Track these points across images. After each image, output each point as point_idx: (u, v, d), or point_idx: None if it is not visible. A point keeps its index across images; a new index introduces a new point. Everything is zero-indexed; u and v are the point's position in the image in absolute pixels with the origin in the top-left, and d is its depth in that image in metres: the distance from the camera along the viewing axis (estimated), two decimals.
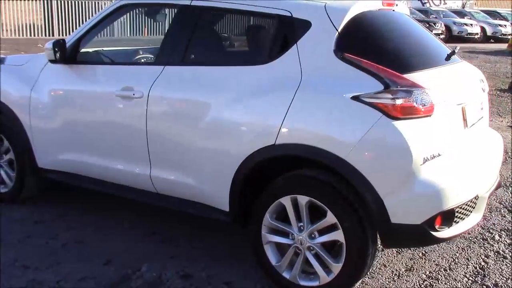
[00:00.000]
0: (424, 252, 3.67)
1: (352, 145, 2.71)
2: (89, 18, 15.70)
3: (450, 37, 23.46)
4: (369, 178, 2.69)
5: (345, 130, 2.75)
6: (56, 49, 3.61)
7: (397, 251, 3.67)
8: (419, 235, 2.75)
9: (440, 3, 31.54)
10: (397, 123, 2.66)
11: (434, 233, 2.73)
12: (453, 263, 3.55)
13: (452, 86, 2.99)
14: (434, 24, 23.02)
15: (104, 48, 4.09)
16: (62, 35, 17.28)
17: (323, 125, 2.81)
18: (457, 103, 2.94)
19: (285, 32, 3.07)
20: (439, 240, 2.87)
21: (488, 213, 4.40)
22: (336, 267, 2.88)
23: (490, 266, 3.53)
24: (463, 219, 2.89)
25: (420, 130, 2.71)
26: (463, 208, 2.84)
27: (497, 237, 3.94)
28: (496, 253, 3.70)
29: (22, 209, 4.20)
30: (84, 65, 3.77)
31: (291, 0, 3.13)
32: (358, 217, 2.78)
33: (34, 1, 18.81)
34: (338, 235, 2.84)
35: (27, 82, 3.96)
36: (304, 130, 2.85)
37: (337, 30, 2.92)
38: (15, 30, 17.82)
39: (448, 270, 3.45)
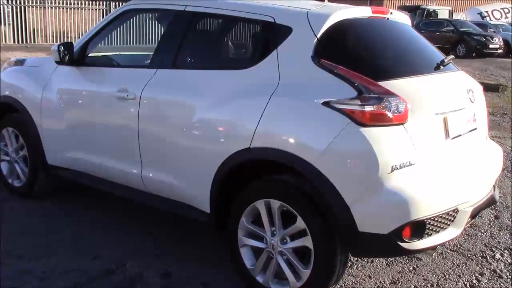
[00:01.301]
0: (415, 266, 3.58)
1: (320, 150, 2.70)
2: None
3: (510, 52, 22.60)
4: (336, 185, 2.67)
5: (314, 135, 2.75)
6: (61, 51, 3.79)
7: (386, 263, 3.60)
8: (386, 245, 2.69)
9: (502, 17, 30.40)
10: (364, 130, 2.63)
11: (402, 244, 2.67)
12: (442, 279, 3.44)
13: (433, 96, 2.92)
14: (492, 38, 22.22)
15: (111, 53, 4.25)
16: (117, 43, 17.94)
17: (294, 130, 2.82)
18: (436, 112, 2.87)
19: (267, 38, 3.11)
20: (408, 252, 2.81)
21: (497, 231, 4.23)
22: (305, 274, 2.87)
23: (482, 284, 3.40)
24: (438, 231, 2.80)
25: (389, 138, 2.67)
26: (437, 221, 2.76)
27: (498, 256, 3.78)
28: (492, 272, 3.55)
29: (31, 204, 4.40)
30: (89, 67, 3.93)
31: (277, 6, 3.17)
32: (327, 224, 2.76)
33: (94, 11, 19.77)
34: (307, 241, 2.83)
35: (40, 82, 4.17)
36: (276, 135, 2.87)
37: (316, 37, 2.93)
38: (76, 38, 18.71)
39: (435, 286, 3.36)
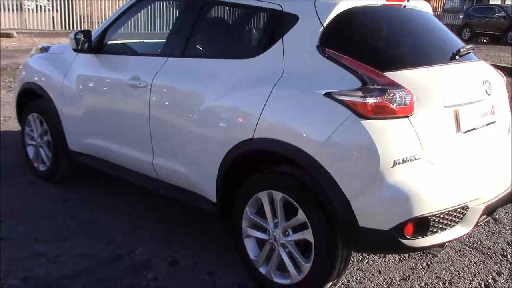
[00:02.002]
0: (429, 263, 3.48)
1: (321, 143, 2.63)
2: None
3: None
4: (336, 179, 2.60)
5: (315, 127, 2.68)
6: (79, 39, 3.84)
7: (399, 259, 3.51)
8: (387, 242, 2.61)
9: None
10: (366, 123, 2.55)
11: (404, 241, 2.58)
12: (456, 277, 3.33)
13: (443, 87, 2.78)
14: None
15: (129, 40, 4.28)
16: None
17: (295, 121, 2.76)
18: (446, 105, 2.74)
19: (274, 26, 3.04)
20: (410, 249, 2.72)
21: None
22: (306, 267, 2.83)
23: (498, 284, 3.27)
24: (444, 229, 2.69)
25: (393, 131, 2.57)
26: (443, 218, 2.65)
27: None
28: (511, 272, 3.40)
29: (54, 188, 4.52)
30: (107, 55, 3.97)
31: None
32: (327, 218, 2.70)
33: None
34: (308, 235, 2.78)
35: (62, 69, 4.25)
36: (277, 125, 2.82)
37: (323, 25, 2.84)
38: None
39: (446, 284, 3.25)
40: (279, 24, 3.00)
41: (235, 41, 3.47)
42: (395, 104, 2.57)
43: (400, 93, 2.59)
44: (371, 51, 2.84)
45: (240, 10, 3.48)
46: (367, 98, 2.56)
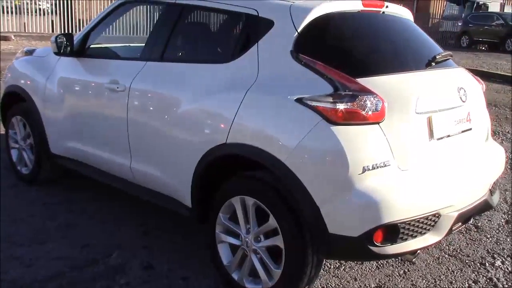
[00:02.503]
0: (406, 270, 3.46)
1: (291, 148, 2.62)
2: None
3: None
4: (306, 184, 2.59)
5: (285, 132, 2.68)
6: (59, 42, 3.84)
7: (376, 266, 3.49)
8: (356, 249, 2.60)
9: None
10: (335, 129, 2.54)
11: (373, 248, 2.56)
12: (432, 285, 3.31)
13: (416, 94, 2.76)
14: None
15: (112, 44, 4.28)
16: None
17: (266, 126, 2.76)
18: (419, 111, 2.73)
19: (249, 31, 3.04)
20: (380, 256, 2.70)
21: (504, 236, 4.03)
22: (277, 273, 2.81)
23: None
24: (415, 236, 2.67)
25: (362, 137, 2.56)
26: (413, 225, 2.63)
27: (498, 263, 3.60)
28: (488, 280, 3.39)
29: (36, 191, 4.51)
30: (88, 59, 3.97)
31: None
32: (298, 224, 2.69)
33: None
34: (278, 241, 2.76)
35: (44, 72, 4.25)
36: (249, 130, 2.82)
37: (297, 30, 2.84)
38: None
39: None
40: (255, 29, 3.00)
41: (212, 45, 3.47)
42: (365, 111, 2.56)
43: (371, 99, 2.58)
44: (345, 57, 2.84)
45: (217, 15, 3.49)
46: (337, 104, 2.55)
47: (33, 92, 4.34)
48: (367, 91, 2.60)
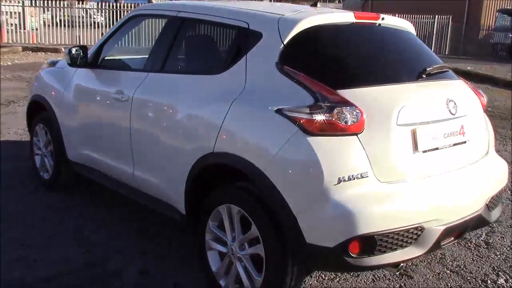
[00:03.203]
0: (402, 285, 3.41)
1: (270, 158, 2.66)
2: None
3: None
4: (284, 194, 2.62)
5: (266, 142, 2.72)
6: (72, 54, 4.03)
7: (372, 279, 3.45)
8: (333, 260, 2.60)
9: None
10: (312, 139, 2.56)
11: (349, 260, 2.55)
12: None
13: (399, 106, 2.73)
14: None
15: (124, 56, 4.44)
16: None
17: (249, 136, 2.82)
18: (401, 123, 2.71)
19: (240, 43, 3.11)
20: (357, 268, 2.69)
21: None
22: (258, 281, 2.84)
23: None
24: (394, 249, 2.64)
25: (339, 148, 2.57)
26: (392, 238, 2.60)
27: (501, 281, 3.49)
28: None
29: (54, 196, 4.70)
30: (101, 70, 4.14)
31: (254, 12, 3.16)
32: (278, 233, 2.71)
33: None
34: (260, 249, 2.80)
35: (63, 83, 4.46)
36: (233, 140, 2.89)
37: (283, 43, 2.89)
38: None
39: None
40: (245, 41, 3.07)
41: (206, 57, 3.56)
42: (343, 122, 2.58)
43: (350, 110, 2.59)
44: (329, 68, 2.86)
45: (214, 28, 3.57)
46: (313, 115, 2.57)
47: (53, 101, 4.55)
48: (346, 103, 2.61)
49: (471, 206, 2.97)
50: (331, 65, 2.89)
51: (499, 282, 3.48)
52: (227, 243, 3.02)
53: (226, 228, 3.00)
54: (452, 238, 3.02)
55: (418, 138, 2.78)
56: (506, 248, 4.00)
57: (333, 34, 3.03)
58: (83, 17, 20.18)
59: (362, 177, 2.58)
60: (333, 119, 2.57)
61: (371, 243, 2.56)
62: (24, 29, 19.02)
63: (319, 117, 2.57)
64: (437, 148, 2.89)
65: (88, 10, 22.28)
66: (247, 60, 2.99)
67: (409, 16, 23.60)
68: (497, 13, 26.27)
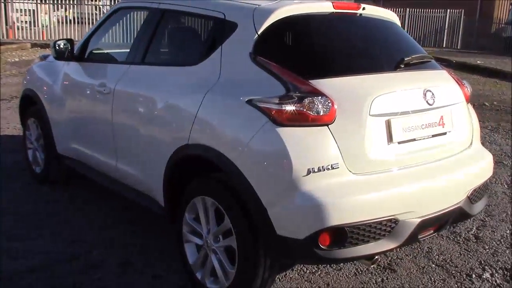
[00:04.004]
0: (384, 278, 3.37)
1: (240, 149, 2.64)
2: None
3: None
4: (254, 185, 2.60)
5: (237, 133, 2.70)
6: (57, 47, 4.04)
7: (355, 272, 3.42)
8: (303, 252, 2.56)
9: None
10: (281, 130, 2.53)
11: (319, 252, 2.52)
12: None
13: (372, 96, 2.68)
14: None
15: (111, 49, 4.44)
16: None
17: (221, 127, 2.80)
18: (374, 114, 2.67)
19: (216, 34, 3.09)
20: (328, 260, 2.65)
21: (504, 248, 3.84)
22: (231, 274, 2.82)
23: None
24: (367, 242, 2.60)
25: (308, 139, 2.54)
26: (364, 229, 2.57)
27: (486, 275, 3.43)
28: None
29: (45, 190, 4.73)
30: (88, 63, 4.14)
31: (230, 2, 3.14)
32: (249, 225, 2.69)
33: None
34: (233, 241, 2.78)
35: (52, 76, 4.48)
36: (206, 132, 2.87)
37: (257, 33, 2.86)
38: None
39: None
40: (221, 32, 3.04)
41: (184, 49, 3.54)
42: (313, 112, 2.54)
43: (320, 101, 2.55)
44: (302, 58, 2.82)
45: (192, 19, 3.55)
46: (283, 106, 2.54)
47: (43, 95, 4.57)
48: (317, 93, 2.58)
49: (450, 198, 2.92)
50: (305, 55, 2.85)
51: (484, 276, 3.42)
52: (202, 235, 3.00)
53: (201, 220, 2.98)
54: (432, 231, 2.97)
55: (393, 129, 2.73)
56: (495, 242, 3.94)
57: (308, 24, 2.99)
58: (96, 14, 20.26)
59: (333, 168, 2.54)
60: (303, 110, 2.54)
61: (342, 235, 2.53)
62: (36, 26, 19.22)
63: (289, 108, 2.54)
64: (414, 139, 2.84)
65: (100, 7, 22.37)
66: (222, 51, 2.97)
67: (420, 10, 23.42)
68: (510, 6, 25.89)
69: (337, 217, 2.49)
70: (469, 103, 3.42)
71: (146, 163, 3.37)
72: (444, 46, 23.68)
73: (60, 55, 4.10)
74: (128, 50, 3.87)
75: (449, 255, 3.69)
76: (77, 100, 4.16)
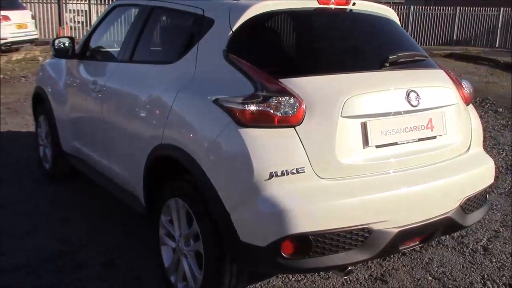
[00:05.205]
0: None
1: (205, 150, 2.54)
2: None
3: None
4: (217, 188, 2.49)
5: (203, 134, 2.61)
6: (57, 46, 4.06)
7: (342, 282, 3.25)
8: (267, 260, 2.43)
9: None
10: (243, 131, 2.41)
11: (281, 261, 2.38)
12: None
13: (345, 96, 2.50)
14: None
15: (111, 48, 4.41)
16: None
17: (189, 127, 2.72)
18: (347, 115, 2.49)
19: (194, 31, 3.00)
20: (291, 270, 2.52)
21: None
22: (199, 279, 2.73)
23: None
24: (336, 251, 2.44)
25: (272, 141, 2.40)
26: (331, 238, 2.40)
27: None
28: None
29: (51, 186, 4.77)
30: (88, 61, 4.15)
31: None
32: (215, 230, 2.58)
33: None
34: (200, 246, 2.68)
35: (58, 74, 4.52)
36: (175, 131, 2.79)
37: (232, 30, 2.74)
38: None
39: None
40: (199, 28, 2.95)
41: (167, 46, 3.47)
42: (278, 113, 2.40)
43: (287, 101, 2.41)
44: (274, 56, 2.70)
45: (176, 16, 3.46)
46: (246, 105, 2.42)
47: (49, 92, 4.61)
48: (284, 92, 2.44)
49: (436, 207, 2.71)
50: (278, 53, 2.72)
51: None
52: (175, 238, 2.92)
53: (174, 222, 2.90)
54: (417, 242, 2.78)
55: (370, 132, 2.56)
56: (505, 256, 3.66)
57: (286, 20, 2.85)
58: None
59: (298, 172, 2.40)
60: (268, 110, 2.41)
61: (306, 244, 2.38)
62: (89, 26, 19.72)
63: (252, 108, 2.41)
64: (396, 143, 2.66)
65: None
66: (198, 48, 2.88)
67: (472, 8, 22.53)
68: None
69: (301, 225, 2.34)
70: (470, 105, 3.19)
71: (130, 162, 3.32)
72: (496, 46, 22.70)
73: (58, 53, 4.12)
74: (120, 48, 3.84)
75: (450, 268, 3.46)
76: (76, 97, 4.17)
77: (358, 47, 2.94)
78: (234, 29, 2.74)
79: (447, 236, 3.85)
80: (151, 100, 3.05)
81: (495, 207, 4.52)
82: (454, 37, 22.73)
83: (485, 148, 3.55)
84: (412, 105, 2.68)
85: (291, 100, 2.41)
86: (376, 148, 2.58)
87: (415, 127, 2.72)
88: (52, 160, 4.79)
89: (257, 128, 2.42)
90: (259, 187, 2.37)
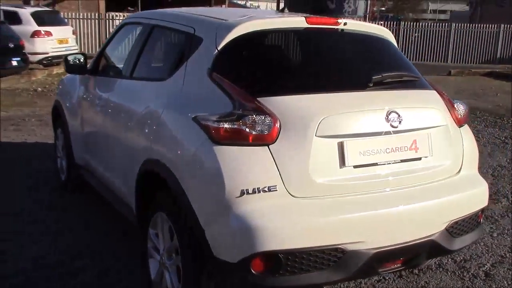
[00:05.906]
0: None
1: (183, 166, 2.60)
2: None
3: None
4: (193, 204, 2.54)
5: (182, 150, 2.68)
6: (67, 62, 4.22)
7: None
8: (238, 277, 2.46)
9: None
10: (217, 148, 2.46)
11: (251, 278, 2.39)
12: None
13: (321, 116, 2.52)
14: None
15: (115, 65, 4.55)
16: None
17: (171, 143, 2.79)
18: (322, 135, 2.50)
19: (184, 49, 3.07)
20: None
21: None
22: None
23: None
24: (308, 271, 2.43)
25: (245, 159, 2.43)
26: (302, 258, 2.40)
27: None
28: None
29: (64, 197, 4.92)
30: (98, 77, 4.29)
31: (201, 17, 3.12)
32: (193, 245, 2.62)
33: None
34: (179, 260, 2.72)
35: (73, 89, 4.68)
36: (159, 147, 2.86)
37: (217, 48, 2.80)
38: None
39: None
40: (189, 47, 3.03)
41: (160, 63, 3.57)
42: (252, 131, 2.44)
43: (262, 119, 2.44)
44: (255, 76, 2.73)
45: (172, 34, 3.54)
46: (221, 123, 2.47)
47: (65, 106, 4.79)
48: (259, 111, 2.47)
49: (418, 229, 2.67)
50: (259, 72, 2.75)
51: None
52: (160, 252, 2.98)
53: (159, 236, 2.95)
54: (398, 265, 2.74)
55: (347, 152, 2.55)
56: (507, 282, 3.54)
57: (272, 39, 2.90)
58: None
59: (270, 190, 2.42)
60: (242, 128, 2.44)
61: (276, 262, 2.39)
62: None
63: (226, 125, 2.46)
64: (376, 164, 2.64)
65: None
66: (186, 66, 2.95)
67: None
68: None
69: (270, 242, 2.36)
70: (465, 126, 3.13)
71: (126, 176, 3.41)
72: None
73: (71, 69, 4.27)
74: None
75: None
76: (85, 111, 4.32)
77: (344, 67, 2.94)
78: (219, 48, 2.80)
79: (449, 259, 3.77)
80: (143, 115, 3.14)
81: (506, 231, 4.39)
82: (498, 55, 22.19)
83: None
84: (392, 126, 2.66)
85: (266, 119, 2.45)
86: (354, 168, 2.57)
87: (397, 148, 2.70)
88: (66, 172, 4.95)
89: (231, 146, 2.45)
90: (230, 204, 2.40)
